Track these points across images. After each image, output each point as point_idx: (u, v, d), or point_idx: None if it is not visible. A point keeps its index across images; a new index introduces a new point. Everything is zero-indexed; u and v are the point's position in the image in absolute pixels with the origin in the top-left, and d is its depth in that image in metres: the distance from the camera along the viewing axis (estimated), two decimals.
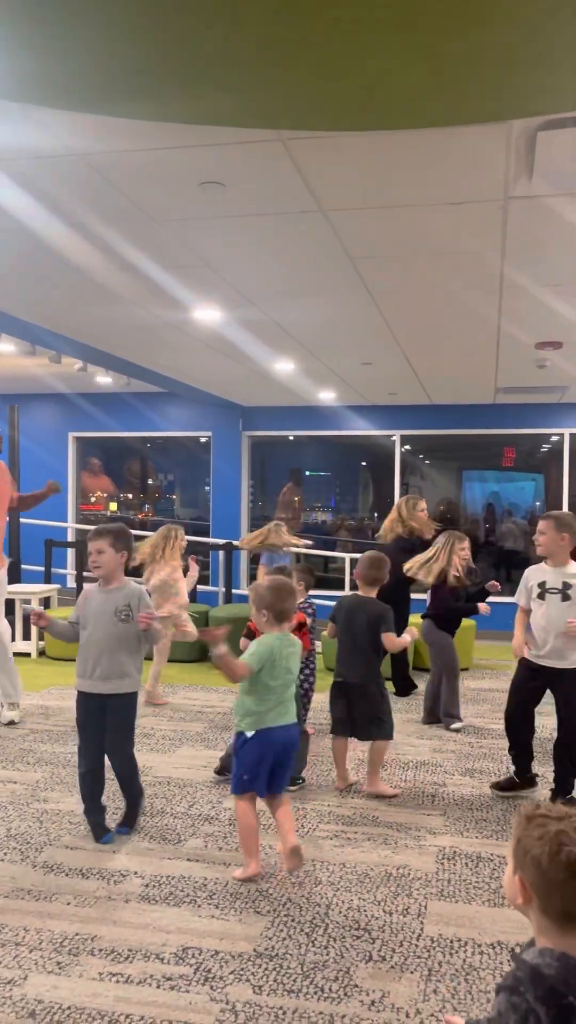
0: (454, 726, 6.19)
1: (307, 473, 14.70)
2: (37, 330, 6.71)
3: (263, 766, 3.71)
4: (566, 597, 4.60)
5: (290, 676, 3.82)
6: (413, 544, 6.90)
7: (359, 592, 5.04)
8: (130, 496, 14.61)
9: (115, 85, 2.57)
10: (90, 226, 4.13)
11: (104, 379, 10.03)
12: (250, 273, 4.95)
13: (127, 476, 14.49)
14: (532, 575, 4.81)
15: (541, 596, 4.71)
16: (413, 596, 6.99)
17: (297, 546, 8.75)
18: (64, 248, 4.46)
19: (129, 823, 4.26)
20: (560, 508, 11.59)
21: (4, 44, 2.31)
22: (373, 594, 4.95)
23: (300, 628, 4.70)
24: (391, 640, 4.77)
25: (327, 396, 10.46)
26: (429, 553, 6.27)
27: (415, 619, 6.65)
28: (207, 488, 12.45)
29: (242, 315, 5.97)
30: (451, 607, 6.14)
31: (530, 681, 4.76)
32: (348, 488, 15.36)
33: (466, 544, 6.25)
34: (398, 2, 2.04)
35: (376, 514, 13.84)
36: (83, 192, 3.70)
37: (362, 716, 4.85)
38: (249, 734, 3.72)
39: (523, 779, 4.90)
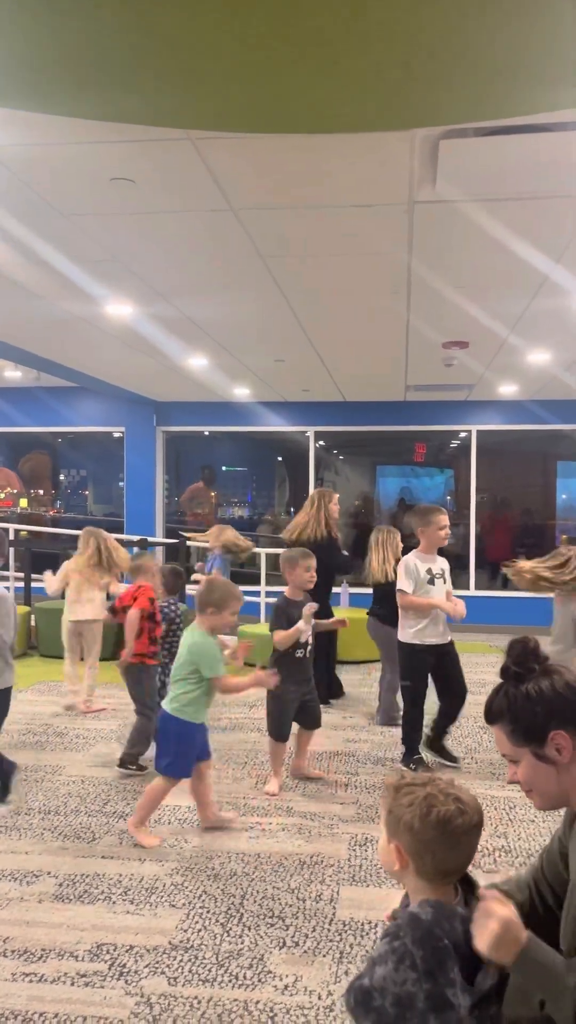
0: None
1: (223, 468, 14.67)
2: None
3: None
4: (445, 581, 5.21)
5: None
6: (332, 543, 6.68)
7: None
8: (40, 492, 14.33)
9: (25, 80, 2.54)
10: None
11: (13, 373, 9.83)
12: (161, 269, 4.94)
13: (33, 471, 14.17)
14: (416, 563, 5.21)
15: (431, 582, 5.11)
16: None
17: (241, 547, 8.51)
18: None
19: None
20: (468, 502, 11.95)
21: None
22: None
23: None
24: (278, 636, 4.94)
25: (242, 392, 10.49)
26: (380, 554, 6.20)
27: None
28: (121, 484, 12.33)
29: (154, 311, 5.95)
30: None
31: (426, 664, 5.18)
32: (264, 483, 15.39)
33: (399, 537, 6.32)
34: (304, 19, 2.08)
35: (292, 509, 13.93)
36: None
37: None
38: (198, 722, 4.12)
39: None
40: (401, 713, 6.14)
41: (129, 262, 4.76)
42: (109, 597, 6.68)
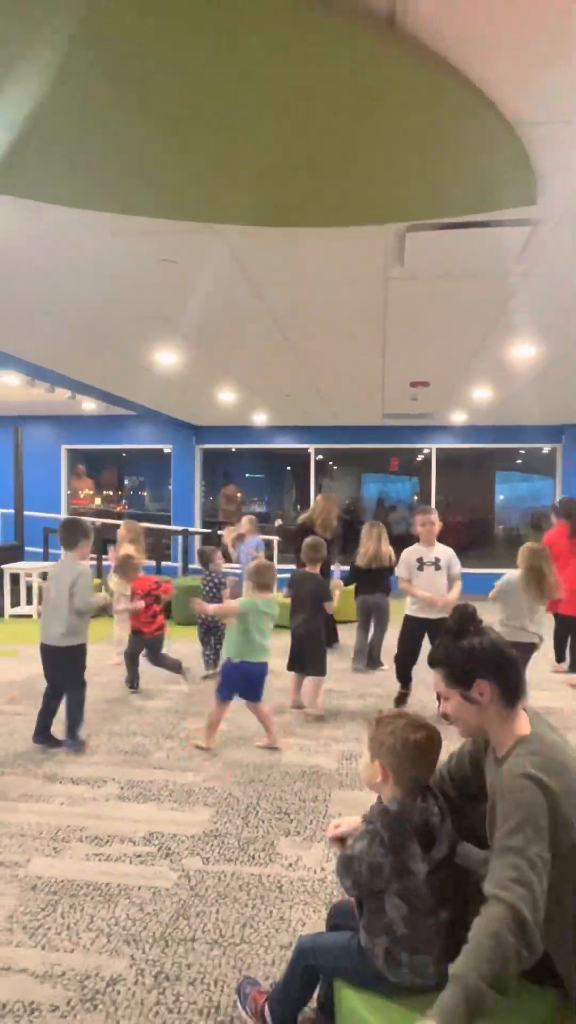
0: (383, 667, 6.22)
1: (247, 476, 14.69)
2: (40, 369, 6.56)
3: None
4: (438, 568, 4.94)
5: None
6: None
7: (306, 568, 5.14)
8: (110, 493, 14.38)
9: (102, 185, 2.54)
10: (80, 289, 4.05)
11: (90, 404, 9.85)
12: (199, 328, 4.92)
13: (105, 479, 14.23)
14: (411, 553, 5.08)
15: (420, 568, 4.98)
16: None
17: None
18: (67, 305, 4.37)
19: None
20: (430, 503, 11.92)
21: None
22: (316, 570, 5.13)
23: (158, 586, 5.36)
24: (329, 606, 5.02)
25: (259, 418, 10.48)
26: (382, 546, 6.02)
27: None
28: (170, 487, 12.35)
29: (194, 358, 5.93)
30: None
31: (417, 630, 4.99)
32: (277, 487, 15.41)
33: (384, 529, 6.20)
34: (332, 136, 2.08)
35: (299, 506, 13.97)
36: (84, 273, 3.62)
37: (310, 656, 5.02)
38: (236, 661, 4.09)
39: (406, 687, 5.22)
40: (376, 662, 6.22)
41: (175, 322, 4.74)
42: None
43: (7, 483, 10.17)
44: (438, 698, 1.84)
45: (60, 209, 2.80)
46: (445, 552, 5.02)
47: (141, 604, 5.21)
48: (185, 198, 2.72)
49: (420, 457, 12.69)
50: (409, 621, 5.04)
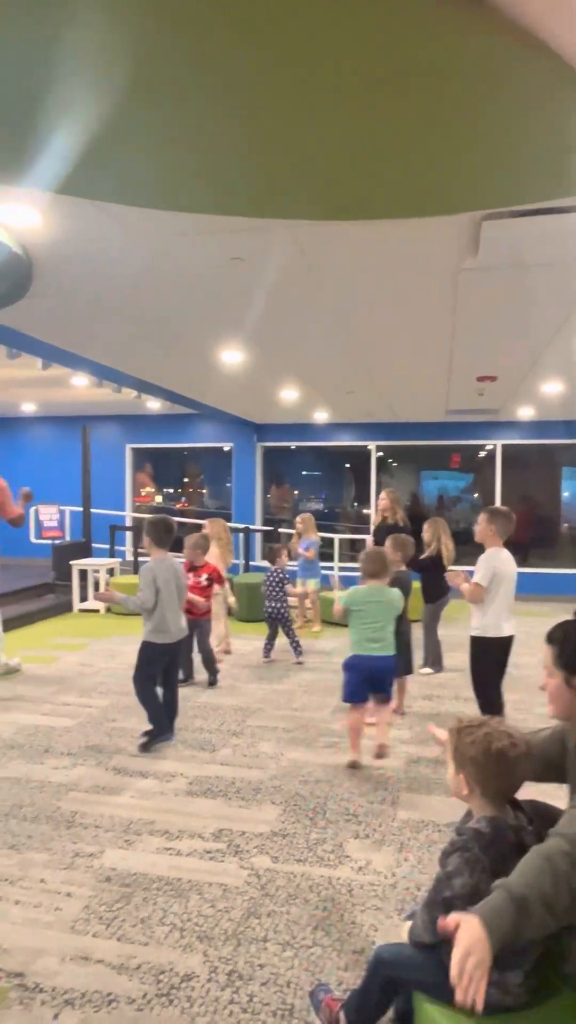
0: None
1: (303, 473, 14.63)
2: (107, 370, 6.70)
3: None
4: None
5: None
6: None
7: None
8: (170, 491, 14.56)
9: (180, 188, 2.55)
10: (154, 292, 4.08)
11: (154, 404, 10.01)
12: (264, 326, 4.91)
13: (188, 475, 14.39)
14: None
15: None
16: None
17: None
18: (135, 305, 4.42)
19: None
20: (493, 502, 11.61)
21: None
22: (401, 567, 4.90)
23: (220, 578, 5.57)
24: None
25: (320, 416, 10.44)
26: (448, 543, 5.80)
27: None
28: (228, 485, 12.45)
29: (258, 356, 5.93)
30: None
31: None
32: (334, 484, 15.30)
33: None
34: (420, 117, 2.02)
35: (356, 503, 13.88)
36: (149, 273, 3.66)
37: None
38: (350, 655, 3.96)
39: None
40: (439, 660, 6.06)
41: (241, 320, 4.73)
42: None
43: (75, 482, 10.45)
44: None
45: (129, 210, 2.83)
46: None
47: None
48: (256, 195, 2.70)
49: (482, 453, 12.40)
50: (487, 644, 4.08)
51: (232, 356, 5.85)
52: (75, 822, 3.24)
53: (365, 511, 13.38)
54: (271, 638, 6.34)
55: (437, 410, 9.60)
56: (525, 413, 9.90)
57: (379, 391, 7.72)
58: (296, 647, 6.28)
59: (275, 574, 6.14)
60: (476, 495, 13.59)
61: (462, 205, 2.79)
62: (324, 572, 7.74)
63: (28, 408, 11.19)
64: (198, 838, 3.11)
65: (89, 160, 2.46)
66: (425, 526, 5.97)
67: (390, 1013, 1.92)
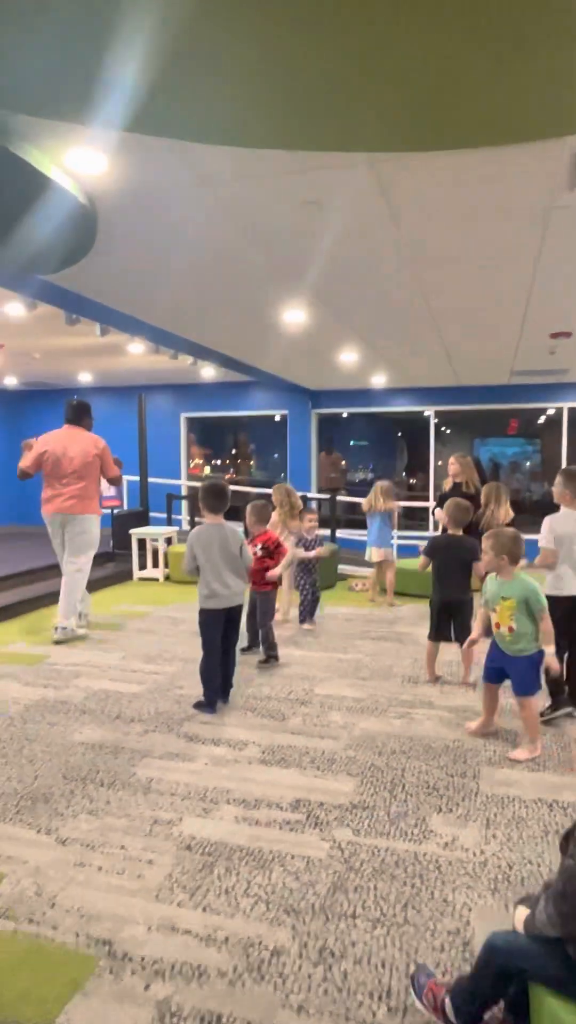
0: None
1: (351, 443, 14.33)
2: (164, 335, 6.59)
3: None
4: None
5: None
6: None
7: (450, 532, 4.77)
8: (217, 462, 14.46)
9: (251, 122, 2.37)
10: (220, 246, 3.90)
11: (208, 371, 9.91)
12: (329, 279, 4.68)
13: (236, 446, 14.30)
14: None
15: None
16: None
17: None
18: (198, 261, 4.26)
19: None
20: (556, 469, 11.15)
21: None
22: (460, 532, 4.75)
23: (277, 547, 5.18)
24: (478, 568, 4.47)
25: (378, 380, 10.15)
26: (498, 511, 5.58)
27: None
28: (276, 456, 12.35)
29: (321, 315, 5.72)
30: None
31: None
32: (383, 453, 14.94)
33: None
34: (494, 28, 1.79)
35: (405, 473, 13.62)
36: (212, 216, 3.47)
37: (459, 625, 4.68)
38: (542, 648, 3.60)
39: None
40: None
41: (307, 274, 4.52)
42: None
43: (132, 451, 10.48)
44: None
45: (199, 150, 2.66)
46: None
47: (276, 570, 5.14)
48: (329, 126, 2.48)
49: (542, 419, 11.91)
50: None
51: (295, 316, 5.66)
52: (151, 788, 3.21)
53: (412, 480, 13.08)
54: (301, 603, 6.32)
55: (501, 371, 9.21)
56: None
57: (445, 351, 7.40)
58: (302, 612, 6.25)
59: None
60: (528, 463, 13.15)
61: (560, 129, 2.52)
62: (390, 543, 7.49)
63: (84, 378, 11.25)
64: (276, 808, 3.04)
65: (159, 94, 2.29)
66: (483, 490, 5.76)
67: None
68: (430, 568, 4.80)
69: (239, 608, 4.28)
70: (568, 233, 3.64)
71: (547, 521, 4.03)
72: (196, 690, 4.53)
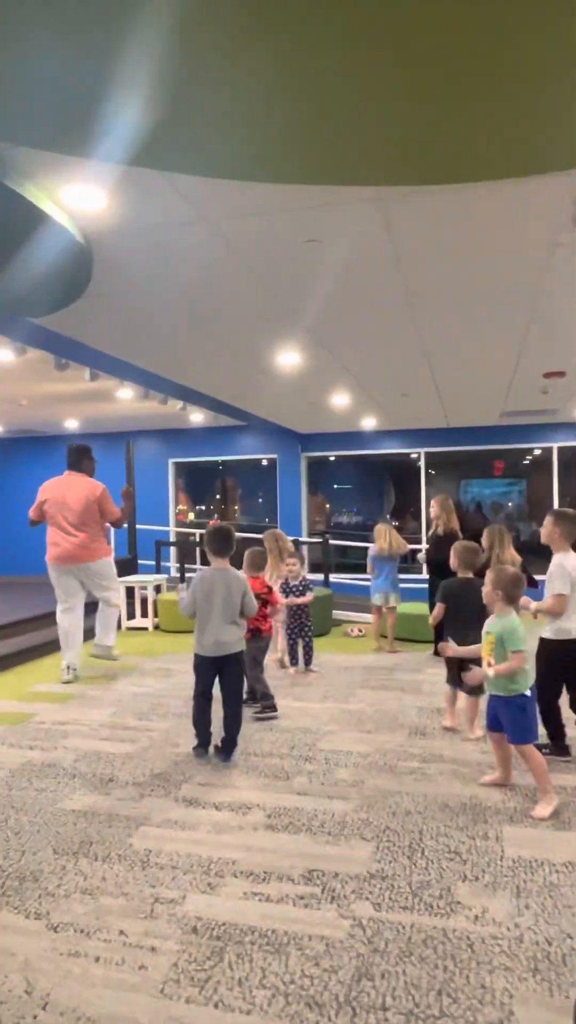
0: None
1: (334, 487, 14.25)
2: (155, 379, 6.52)
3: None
4: None
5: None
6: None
7: (460, 576, 4.62)
8: (202, 508, 14.27)
9: (259, 155, 2.31)
10: (210, 286, 3.84)
11: (197, 416, 9.85)
12: (327, 322, 4.65)
13: (224, 489, 14.15)
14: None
15: None
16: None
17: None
18: (192, 301, 4.19)
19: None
20: (545, 509, 11.16)
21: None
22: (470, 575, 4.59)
23: (269, 593, 5.12)
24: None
25: (368, 422, 10.14)
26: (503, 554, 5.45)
27: None
28: (259, 500, 12.29)
29: (315, 358, 5.68)
30: None
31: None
32: (368, 496, 14.86)
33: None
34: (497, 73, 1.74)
35: (389, 516, 13.59)
36: (203, 255, 3.41)
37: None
38: (528, 693, 3.46)
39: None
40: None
41: (304, 317, 4.48)
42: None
43: (119, 498, 10.30)
44: None
45: (199, 187, 2.59)
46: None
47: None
48: (334, 159, 2.43)
49: (528, 459, 11.97)
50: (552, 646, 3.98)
51: (289, 358, 5.61)
52: (150, 862, 2.95)
53: (395, 524, 13.03)
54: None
55: (491, 412, 9.24)
56: None
57: (437, 392, 7.40)
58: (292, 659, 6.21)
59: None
60: (510, 504, 13.21)
61: (568, 162, 2.49)
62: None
63: (71, 425, 11.14)
64: (288, 881, 2.80)
65: (161, 126, 2.23)
66: (486, 533, 5.60)
67: None
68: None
69: (235, 657, 4.08)
70: (568, 270, 3.63)
71: (559, 566, 3.88)
72: (193, 747, 4.30)
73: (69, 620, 5.97)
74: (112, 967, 2.29)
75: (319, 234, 3.05)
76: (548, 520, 4.02)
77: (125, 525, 6.43)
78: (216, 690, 4.11)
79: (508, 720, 3.49)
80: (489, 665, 3.52)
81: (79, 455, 6.00)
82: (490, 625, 3.59)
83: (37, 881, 2.81)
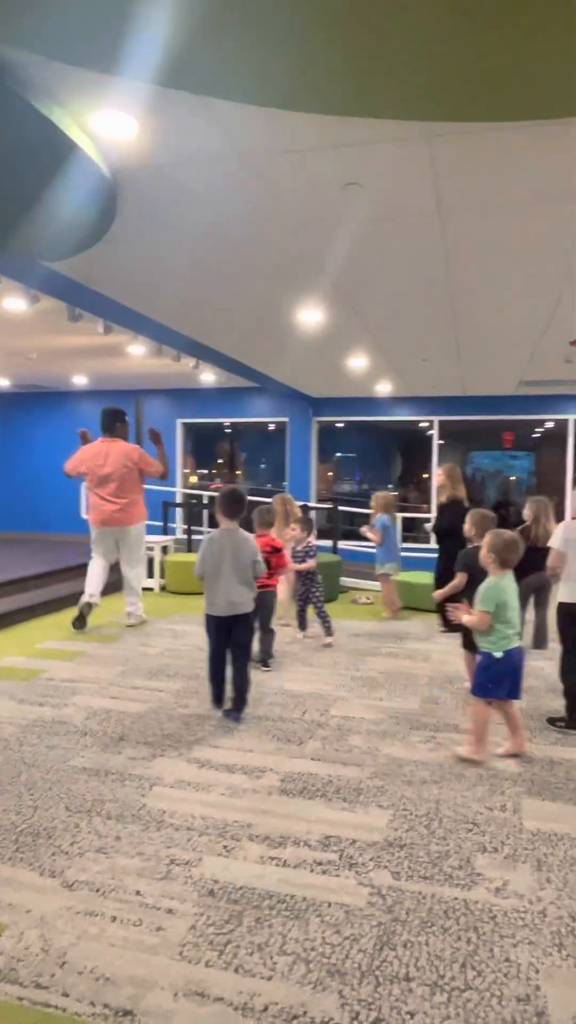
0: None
1: (336, 455, 14.03)
2: (170, 334, 6.32)
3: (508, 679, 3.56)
4: None
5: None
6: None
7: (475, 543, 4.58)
8: (204, 471, 14.06)
9: (301, 80, 2.13)
10: (232, 226, 3.62)
11: (208, 376, 9.65)
12: (357, 277, 4.44)
13: (223, 455, 13.98)
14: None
15: None
16: None
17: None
18: (220, 252, 4.01)
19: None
20: (552, 481, 11.05)
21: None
22: None
23: (276, 552, 5.09)
24: None
25: (383, 387, 9.93)
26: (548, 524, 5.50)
27: None
28: (262, 466, 12.18)
29: (338, 316, 5.48)
30: None
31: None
32: (373, 465, 14.65)
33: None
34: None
35: (390, 485, 13.48)
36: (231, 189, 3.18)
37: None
38: (498, 655, 3.51)
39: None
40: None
41: (333, 270, 4.28)
42: None
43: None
44: None
45: (234, 122, 2.41)
46: None
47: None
48: (390, 88, 2.24)
49: (538, 431, 11.78)
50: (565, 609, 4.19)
51: (311, 315, 5.42)
52: (165, 822, 2.92)
53: (406, 492, 12.90)
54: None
55: (509, 381, 9.03)
56: None
57: (458, 356, 7.19)
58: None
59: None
60: (513, 478, 13.11)
61: None
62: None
63: (79, 381, 10.94)
64: (304, 846, 2.76)
65: (196, 42, 2.05)
66: (529, 505, 5.64)
67: None
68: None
69: (245, 617, 4.13)
70: None
71: (559, 528, 4.28)
72: (203, 709, 4.27)
73: (101, 565, 6.36)
74: (130, 927, 2.26)
75: (360, 176, 2.86)
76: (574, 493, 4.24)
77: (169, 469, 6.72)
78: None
79: (477, 671, 3.63)
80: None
81: (113, 419, 6.24)
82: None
83: (51, 839, 2.77)
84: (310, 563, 5.80)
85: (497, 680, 3.54)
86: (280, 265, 4.20)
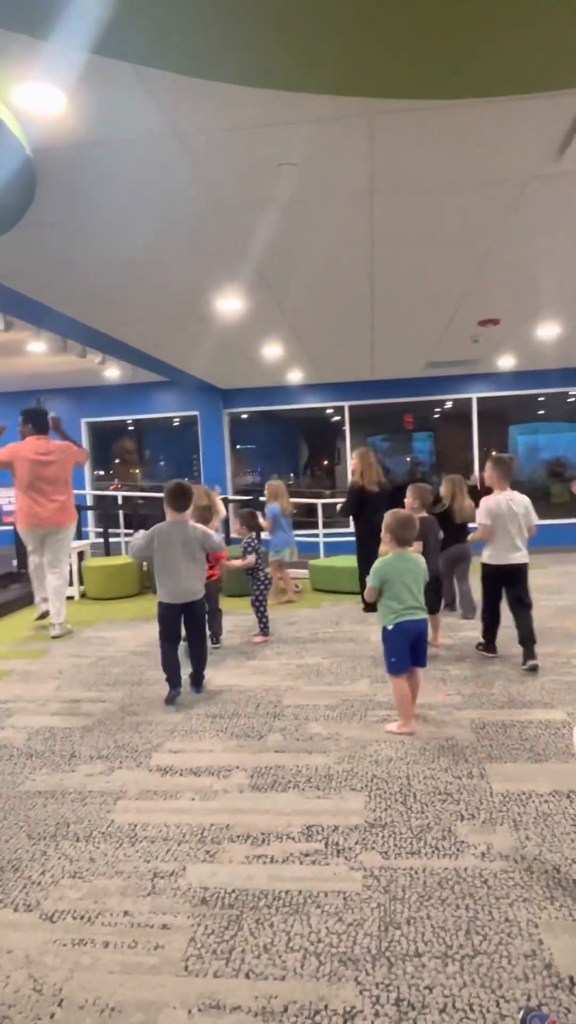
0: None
1: (236, 447, 13.92)
2: (76, 327, 6.03)
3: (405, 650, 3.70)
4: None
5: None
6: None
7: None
8: (100, 472, 13.50)
9: (220, 48, 2.05)
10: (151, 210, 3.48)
11: (112, 373, 9.33)
12: (279, 260, 4.38)
13: (119, 452, 13.48)
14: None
15: None
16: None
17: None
18: (137, 237, 3.83)
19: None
20: (453, 459, 11.62)
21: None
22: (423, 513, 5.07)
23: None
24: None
25: (294, 376, 9.96)
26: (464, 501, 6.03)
27: None
28: (161, 463, 12.03)
29: (257, 303, 5.41)
30: None
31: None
32: (274, 454, 14.55)
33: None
34: None
35: (293, 473, 13.60)
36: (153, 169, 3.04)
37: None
38: (389, 628, 3.69)
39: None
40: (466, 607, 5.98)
41: (255, 254, 4.20)
42: None
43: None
44: None
45: (169, 96, 2.30)
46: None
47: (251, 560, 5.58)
48: (333, 62, 2.21)
49: (437, 412, 12.25)
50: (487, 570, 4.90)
51: (229, 304, 5.32)
52: (138, 836, 2.80)
53: (312, 478, 13.06)
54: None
55: (417, 362, 9.28)
56: (505, 364, 9.70)
57: (371, 339, 7.29)
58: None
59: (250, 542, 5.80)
60: (409, 458, 13.61)
61: (566, 81, 2.40)
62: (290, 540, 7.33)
63: None
64: (288, 839, 2.72)
65: (133, 9, 1.93)
66: (444, 484, 6.02)
67: None
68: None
69: (200, 603, 4.43)
70: (537, 207, 3.58)
71: (484, 502, 4.77)
72: (153, 715, 4.13)
73: (41, 565, 6.33)
74: (125, 951, 2.14)
75: (297, 155, 2.81)
76: (488, 465, 4.78)
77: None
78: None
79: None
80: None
81: (44, 418, 6.19)
82: None
83: (17, 871, 2.59)
84: (249, 559, 5.73)
85: (396, 652, 3.71)
86: (202, 249, 4.09)
